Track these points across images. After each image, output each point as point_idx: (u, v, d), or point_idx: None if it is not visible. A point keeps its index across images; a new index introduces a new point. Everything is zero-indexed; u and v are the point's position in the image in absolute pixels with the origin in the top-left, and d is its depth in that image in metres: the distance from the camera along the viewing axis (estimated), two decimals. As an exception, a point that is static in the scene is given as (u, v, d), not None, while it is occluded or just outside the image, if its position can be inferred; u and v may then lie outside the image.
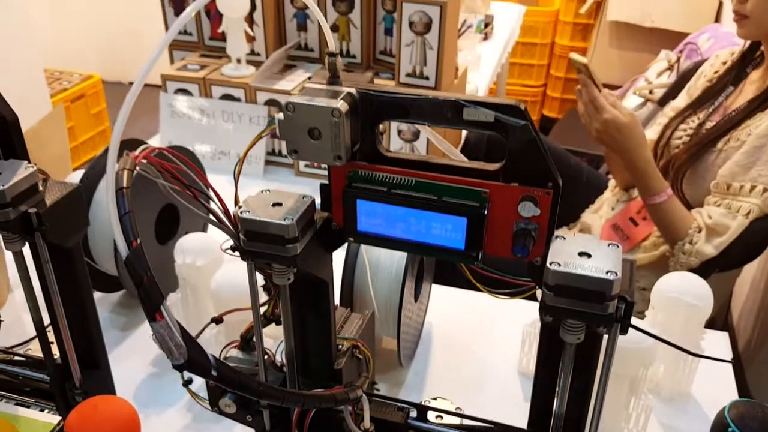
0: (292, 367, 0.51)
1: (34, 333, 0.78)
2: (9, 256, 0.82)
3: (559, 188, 0.41)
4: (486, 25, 1.69)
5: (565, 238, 0.42)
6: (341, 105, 0.41)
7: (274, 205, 0.44)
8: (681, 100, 1.13)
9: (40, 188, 0.49)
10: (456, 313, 0.83)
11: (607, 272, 0.38)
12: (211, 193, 0.46)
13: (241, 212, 0.44)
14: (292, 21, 1.19)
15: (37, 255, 0.50)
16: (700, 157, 0.99)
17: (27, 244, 0.50)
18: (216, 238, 0.75)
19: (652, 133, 1.12)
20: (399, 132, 1.10)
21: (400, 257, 0.67)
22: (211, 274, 0.74)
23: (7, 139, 0.50)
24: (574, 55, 0.98)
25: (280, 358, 0.55)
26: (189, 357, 0.36)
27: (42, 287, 0.52)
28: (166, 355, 0.36)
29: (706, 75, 1.10)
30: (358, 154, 0.44)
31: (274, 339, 0.64)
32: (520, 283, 0.46)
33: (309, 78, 1.16)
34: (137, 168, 0.39)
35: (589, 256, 0.40)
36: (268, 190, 0.46)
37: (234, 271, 0.69)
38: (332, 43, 0.44)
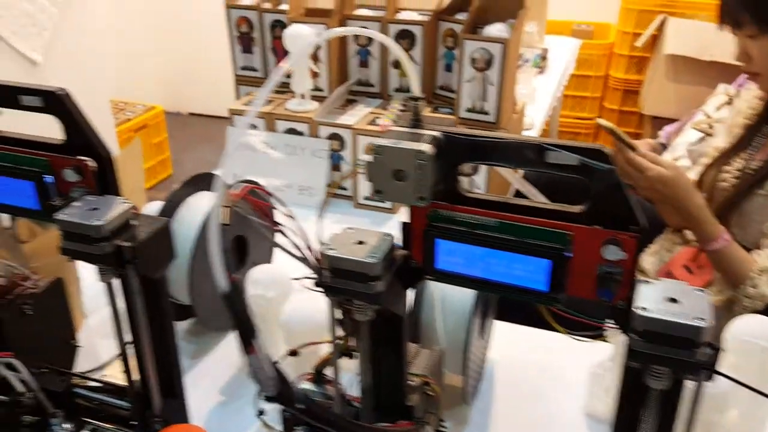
0: (368, 402, 0.51)
1: (106, 359, 0.81)
2: (83, 282, 0.86)
3: (644, 232, 0.41)
4: (542, 59, 1.70)
5: (649, 282, 0.42)
6: (427, 148, 0.42)
7: (357, 243, 0.46)
8: (721, 139, 1.11)
9: (133, 223, 0.51)
10: (519, 350, 0.83)
11: (696, 318, 0.38)
12: (295, 229, 0.48)
13: (326, 250, 0.45)
14: (354, 57, 1.22)
15: (127, 286, 0.52)
16: (747, 199, 0.97)
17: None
18: (285, 270, 0.78)
19: (694, 174, 1.10)
20: (458, 166, 1.11)
21: (467, 293, 0.67)
22: (281, 305, 0.76)
23: (103, 175, 0.53)
24: (601, 121, 1.00)
25: (350, 392, 0.56)
26: (280, 389, 0.37)
27: (130, 317, 0.54)
28: (257, 386, 0.37)
29: (741, 112, 1.07)
30: (439, 194, 0.45)
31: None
32: (599, 326, 0.46)
33: (370, 112, 1.18)
34: (234, 205, 0.41)
35: (676, 301, 0.40)
36: (351, 228, 0.47)
37: (304, 303, 0.70)
38: (416, 87, 0.46)
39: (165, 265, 0.54)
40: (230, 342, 0.84)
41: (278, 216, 0.48)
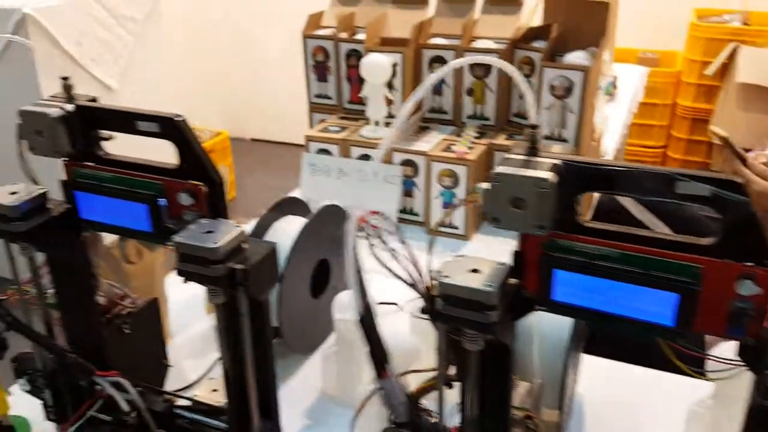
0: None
1: (192, 379, 0.82)
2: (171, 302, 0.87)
3: (781, 266, 0.39)
4: (613, 87, 1.68)
5: (784, 319, 0.40)
6: (549, 176, 0.42)
7: (471, 270, 0.45)
8: None
9: (244, 246, 0.52)
10: (609, 386, 0.80)
11: None
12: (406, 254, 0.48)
13: (440, 277, 0.45)
14: (428, 85, 1.23)
15: (235, 308, 0.53)
16: None
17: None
18: (373, 295, 0.78)
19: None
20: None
21: (564, 325, 0.65)
22: (366, 331, 0.76)
23: (214, 199, 0.54)
24: (716, 129, 0.97)
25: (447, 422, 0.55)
26: (410, 415, 0.37)
27: (233, 338, 0.55)
28: (388, 411, 0.37)
29: None
30: (557, 222, 0.45)
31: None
32: (730, 363, 0.44)
33: (443, 139, 1.18)
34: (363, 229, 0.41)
35: (820, 340, 0.38)
36: (462, 256, 0.47)
37: (391, 329, 0.70)
38: (533, 114, 0.45)
39: (270, 288, 0.55)
40: (313, 364, 0.84)
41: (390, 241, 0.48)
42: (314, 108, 1.34)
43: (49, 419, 0.69)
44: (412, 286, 0.48)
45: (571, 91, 1.04)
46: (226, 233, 0.50)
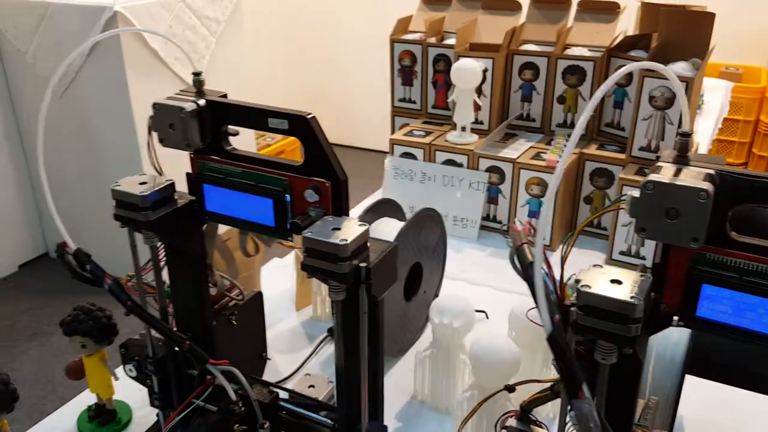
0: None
1: (285, 374, 0.83)
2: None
3: None
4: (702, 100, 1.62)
5: None
6: (708, 186, 0.40)
7: (612, 281, 0.44)
8: None
9: (369, 245, 0.52)
10: (710, 408, 0.77)
11: None
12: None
13: (581, 286, 0.44)
14: (517, 92, 1.22)
15: (355, 305, 0.53)
16: None
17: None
18: (467, 299, 0.77)
19: None
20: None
21: (679, 344, 0.63)
22: (463, 335, 0.75)
23: (338, 197, 0.55)
24: None
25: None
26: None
27: (353, 336, 0.55)
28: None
29: None
30: (708, 236, 0.43)
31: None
32: None
33: (531, 147, 1.16)
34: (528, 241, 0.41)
35: None
36: (600, 265, 0.46)
37: (492, 337, 0.69)
38: (687, 120, 0.44)
39: (389, 287, 0.55)
40: (403, 367, 0.84)
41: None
42: (397, 112, 1.34)
43: (153, 405, 0.71)
44: (548, 296, 0.46)
45: (672, 102, 1.01)
46: (352, 231, 0.51)
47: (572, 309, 0.45)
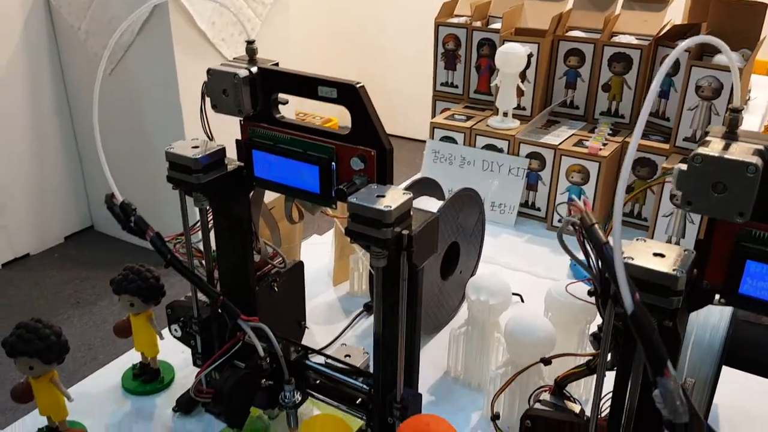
0: (628, 424, 0.49)
1: (326, 342, 0.85)
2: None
3: None
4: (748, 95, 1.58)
5: None
6: (757, 161, 0.40)
7: (655, 254, 0.44)
8: None
9: (411, 213, 0.53)
10: (745, 399, 0.76)
11: None
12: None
13: (625, 258, 0.44)
14: (561, 79, 1.21)
15: (396, 272, 0.54)
16: None
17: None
18: (504, 278, 0.78)
19: None
20: (669, 197, 1.06)
21: (718, 329, 0.63)
22: (499, 313, 0.76)
23: (384, 166, 0.56)
24: None
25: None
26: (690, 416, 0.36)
27: (391, 303, 0.56)
28: (666, 411, 0.35)
29: None
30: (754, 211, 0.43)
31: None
32: None
33: (574, 134, 1.16)
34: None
35: None
36: (644, 239, 0.46)
37: (527, 314, 0.70)
38: (738, 97, 0.44)
39: (428, 257, 0.56)
40: (435, 345, 0.85)
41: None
42: (438, 96, 1.35)
43: (196, 365, 0.73)
44: (588, 269, 0.47)
45: (719, 92, 0.99)
46: (396, 198, 0.52)
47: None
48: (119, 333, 0.76)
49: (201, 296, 0.69)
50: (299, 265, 0.74)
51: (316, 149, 0.58)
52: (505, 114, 1.20)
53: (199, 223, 0.66)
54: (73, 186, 2.44)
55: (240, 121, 0.61)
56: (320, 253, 1.04)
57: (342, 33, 3.33)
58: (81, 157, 2.43)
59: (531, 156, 1.16)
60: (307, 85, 0.57)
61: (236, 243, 0.66)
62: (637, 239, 0.46)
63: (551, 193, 1.15)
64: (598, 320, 0.50)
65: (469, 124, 1.21)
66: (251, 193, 0.65)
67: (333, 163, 0.57)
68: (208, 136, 0.63)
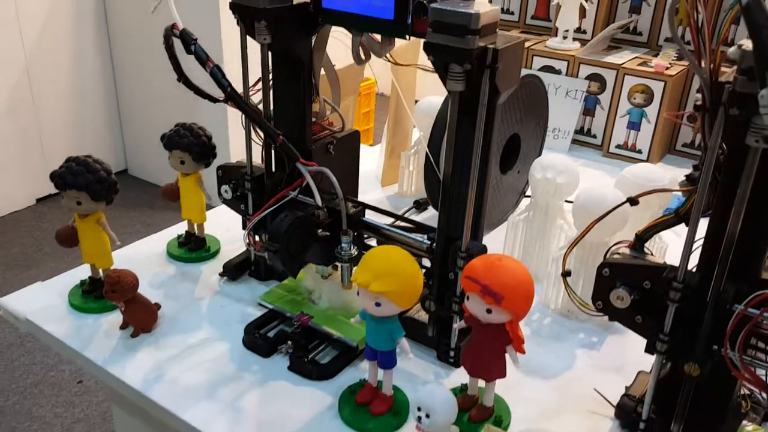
0: (722, 268, 0.45)
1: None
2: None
3: None
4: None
5: None
6: None
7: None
8: None
9: (497, 30, 0.49)
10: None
11: None
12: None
13: (743, 48, 0.40)
14: (625, 2, 1.16)
15: (473, 100, 0.50)
16: None
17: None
18: (572, 161, 0.73)
19: None
20: None
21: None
22: (565, 195, 0.72)
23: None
24: None
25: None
26: None
27: (467, 136, 0.52)
28: None
29: None
30: None
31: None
32: None
33: (636, 57, 1.10)
34: None
35: None
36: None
37: (599, 185, 0.65)
38: None
39: (511, 87, 0.52)
40: (488, 240, 0.81)
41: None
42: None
43: (245, 228, 0.70)
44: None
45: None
46: (483, 6, 0.48)
47: (726, 86, 0.41)
48: (168, 195, 0.73)
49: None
50: (355, 134, 0.71)
51: (392, -29, 0.54)
52: (565, 36, 1.15)
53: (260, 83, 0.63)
54: (110, 130, 2.44)
55: (310, -50, 0.58)
56: (368, 159, 1.01)
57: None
58: (119, 100, 2.43)
59: (591, 78, 1.11)
60: None
61: (295, 93, 0.63)
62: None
63: (609, 117, 1.10)
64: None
65: (526, 44, 1.16)
66: (314, 37, 0.62)
67: (411, -15, 0.53)
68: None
